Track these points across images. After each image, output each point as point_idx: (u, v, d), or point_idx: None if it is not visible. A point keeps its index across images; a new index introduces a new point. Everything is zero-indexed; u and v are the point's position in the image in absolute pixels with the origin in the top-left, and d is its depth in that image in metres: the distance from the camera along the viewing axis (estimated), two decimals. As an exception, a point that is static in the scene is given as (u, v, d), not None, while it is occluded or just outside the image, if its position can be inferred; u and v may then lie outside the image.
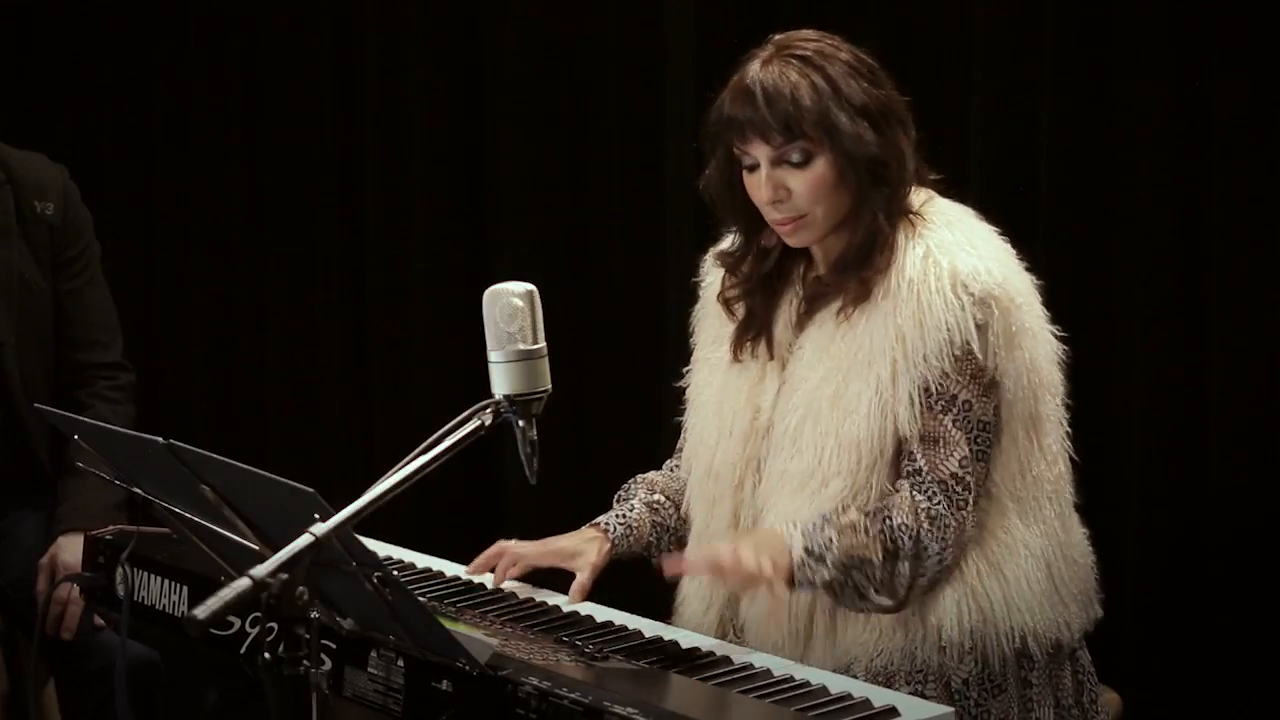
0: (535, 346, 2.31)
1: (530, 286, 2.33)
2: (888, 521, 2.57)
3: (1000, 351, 2.58)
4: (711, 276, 2.89)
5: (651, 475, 2.97)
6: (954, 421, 2.58)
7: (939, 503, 2.58)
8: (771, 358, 2.76)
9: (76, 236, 3.56)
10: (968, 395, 2.58)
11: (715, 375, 2.83)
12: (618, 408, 4.40)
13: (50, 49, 4.86)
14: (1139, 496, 3.74)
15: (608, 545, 2.81)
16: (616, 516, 2.87)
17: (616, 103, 4.39)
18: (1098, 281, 3.78)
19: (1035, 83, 3.79)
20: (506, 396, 2.30)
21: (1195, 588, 3.72)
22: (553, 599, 2.71)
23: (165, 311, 4.98)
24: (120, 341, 3.62)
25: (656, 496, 2.91)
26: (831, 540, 2.55)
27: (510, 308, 2.31)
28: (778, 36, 2.68)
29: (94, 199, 3.72)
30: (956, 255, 2.59)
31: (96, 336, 3.58)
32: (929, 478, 2.58)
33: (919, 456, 2.59)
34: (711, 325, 2.87)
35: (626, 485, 2.96)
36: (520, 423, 2.31)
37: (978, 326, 2.56)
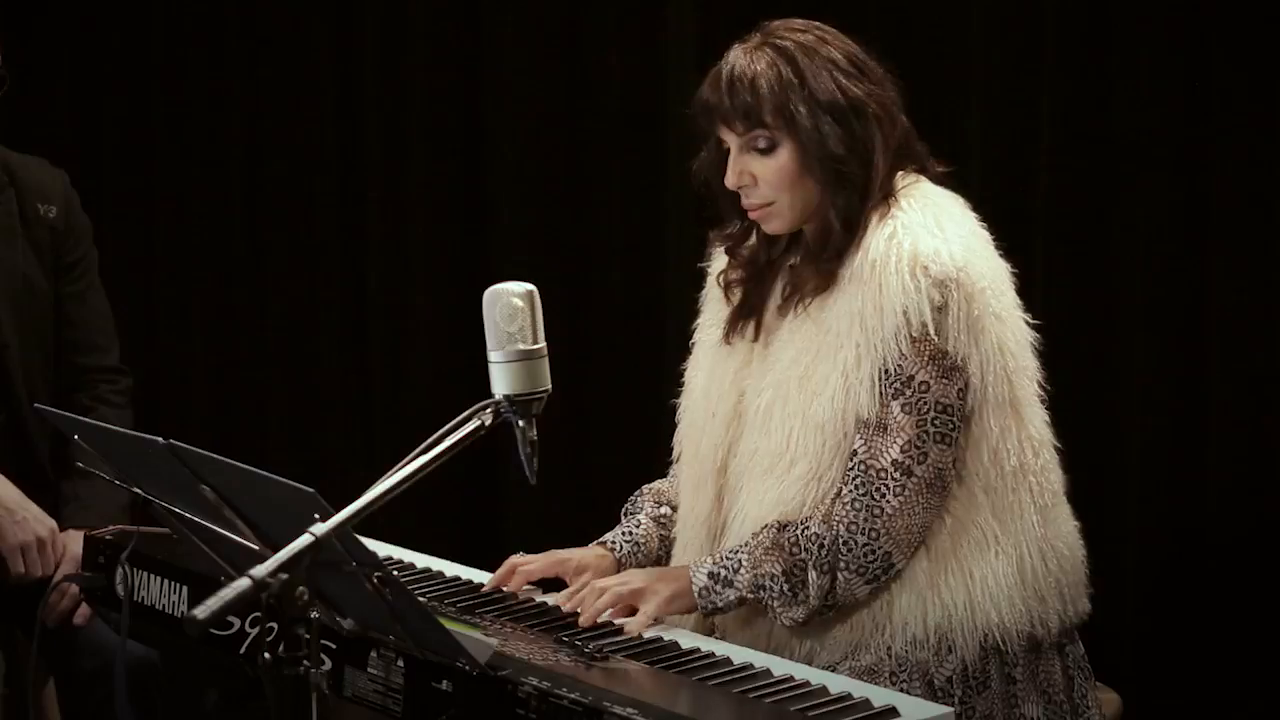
0: (535, 346, 2.31)
1: (530, 286, 2.33)
2: (804, 532, 2.60)
3: (962, 336, 2.57)
4: (717, 261, 2.89)
5: (658, 485, 2.97)
6: (902, 406, 2.57)
7: (865, 493, 2.58)
8: (756, 339, 2.77)
9: (78, 241, 3.57)
10: (925, 376, 2.57)
11: (707, 358, 2.85)
12: (618, 407, 4.40)
13: (50, 51, 4.86)
14: (1138, 495, 3.74)
15: (613, 563, 2.82)
16: (623, 534, 2.87)
17: (617, 102, 4.39)
18: (1098, 280, 3.78)
19: (1035, 83, 3.79)
20: (506, 396, 2.30)
21: (1195, 587, 3.72)
22: (553, 599, 2.71)
23: (165, 312, 4.98)
24: (118, 346, 3.63)
25: (663, 510, 2.91)
26: (741, 562, 2.62)
27: (510, 308, 2.31)
28: (769, 23, 2.70)
29: (94, 200, 3.73)
30: (920, 236, 2.59)
31: (97, 340, 3.59)
32: (864, 466, 2.58)
33: (861, 444, 2.59)
34: (713, 308, 2.88)
35: (633, 499, 2.97)
36: (520, 423, 2.31)
37: (935, 308, 2.55)
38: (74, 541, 3.31)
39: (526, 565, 2.78)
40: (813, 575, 2.59)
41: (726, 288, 2.82)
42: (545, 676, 2.22)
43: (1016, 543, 2.63)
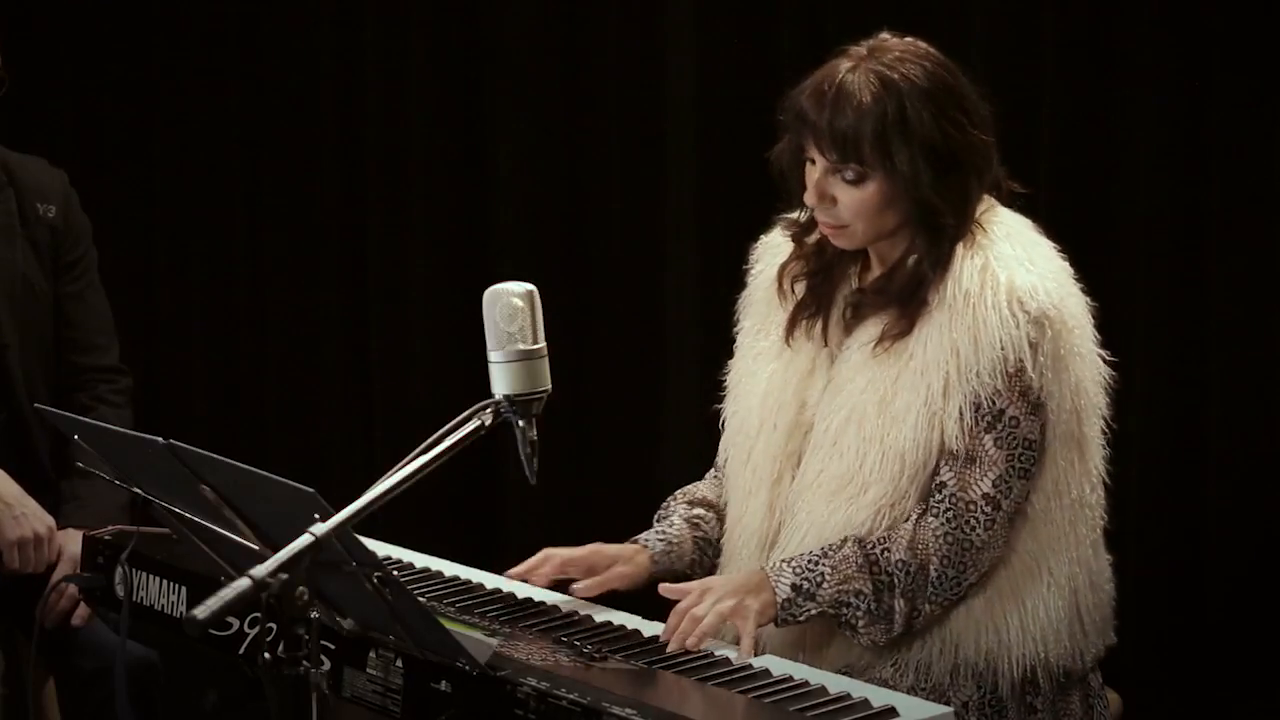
0: (535, 346, 2.31)
1: (530, 286, 2.33)
2: (886, 555, 2.57)
3: (1048, 373, 2.56)
4: (761, 264, 2.85)
5: (692, 488, 2.91)
6: (995, 440, 2.56)
7: (956, 526, 2.56)
8: (825, 344, 2.72)
9: (77, 240, 3.57)
10: (1015, 411, 2.55)
11: (761, 364, 2.79)
12: (617, 407, 4.40)
13: (50, 51, 4.86)
14: (1139, 496, 3.74)
15: (647, 559, 2.76)
16: (658, 534, 2.81)
17: (617, 102, 4.39)
18: (1097, 283, 3.76)
19: (1035, 83, 3.78)
20: (506, 396, 2.30)
21: (1195, 588, 3.71)
22: (552, 599, 2.71)
23: (165, 311, 4.98)
24: (117, 346, 3.63)
25: (696, 511, 2.85)
26: (824, 576, 2.56)
27: (510, 308, 2.31)
28: (882, 36, 2.65)
29: (94, 200, 3.72)
30: (1015, 271, 2.57)
31: (96, 340, 3.59)
32: (954, 499, 2.57)
33: (950, 475, 2.57)
34: (759, 313, 2.83)
35: (666, 503, 2.90)
36: (520, 423, 2.31)
37: (1030, 345, 2.54)
38: (73, 541, 3.31)
39: (564, 551, 2.72)
40: (900, 604, 2.57)
41: (792, 282, 2.77)
42: (544, 677, 2.22)
43: (1070, 574, 2.63)
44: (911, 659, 2.61)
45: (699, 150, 4.24)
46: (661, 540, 2.80)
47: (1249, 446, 3.65)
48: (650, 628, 2.57)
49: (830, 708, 2.24)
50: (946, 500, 2.57)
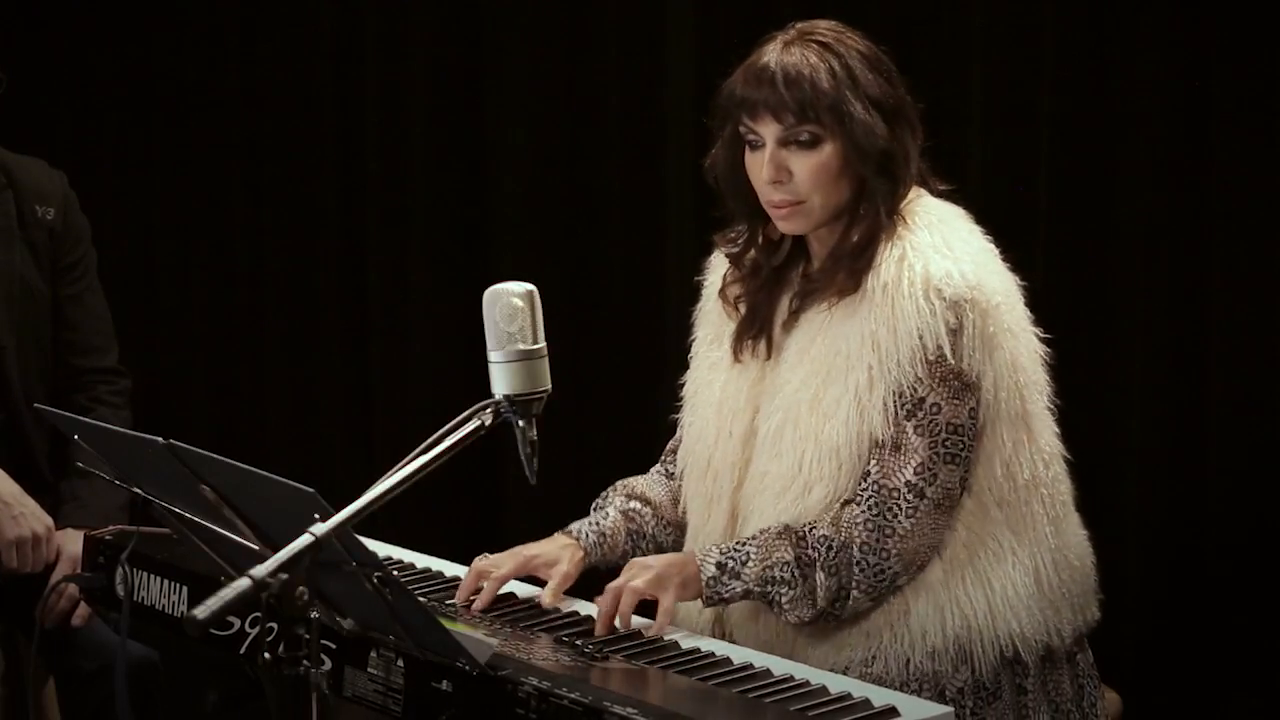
0: (535, 346, 2.31)
1: (530, 286, 2.33)
2: (812, 532, 2.59)
3: (977, 353, 2.57)
4: (713, 275, 2.88)
5: (633, 480, 2.94)
6: (915, 427, 2.57)
7: (879, 513, 2.58)
8: (769, 357, 2.75)
9: (76, 242, 3.57)
10: (936, 398, 2.57)
11: (716, 374, 2.82)
12: (617, 407, 4.40)
13: (49, 52, 4.86)
14: (1139, 495, 3.74)
15: (580, 554, 2.77)
16: (590, 525, 2.83)
17: (617, 103, 4.39)
18: (1097, 281, 3.78)
19: (1035, 83, 3.79)
20: (506, 396, 2.30)
21: (1195, 587, 3.72)
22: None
23: (165, 313, 4.98)
24: (116, 347, 3.63)
25: (633, 504, 2.88)
26: (750, 555, 2.60)
27: (510, 308, 2.31)
28: (799, 24, 2.68)
29: (94, 201, 3.72)
30: (930, 258, 2.59)
31: (95, 342, 3.59)
32: (878, 486, 2.59)
33: (875, 464, 2.59)
34: (712, 323, 2.86)
35: (605, 493, 2.93)
36: (520, 423, 2.31)
37: (950, 331, 2.55)
38: (73, 541, 3.31)
39: (495, 572, 2.70)
40: (820, 576, 2.58)
41: (734, 301, 2.80)
42: (545, 676, 2.22)
43: (1031, 554, 2.64)
44: (886, 653, 2.61)
45: (699, 152, 4.23)
46: (595, 531, 2.82)
47: (1249, 445, 3.66)
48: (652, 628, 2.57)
49: (830, 708, 2.24)
50: (870, 488, 2.59)
